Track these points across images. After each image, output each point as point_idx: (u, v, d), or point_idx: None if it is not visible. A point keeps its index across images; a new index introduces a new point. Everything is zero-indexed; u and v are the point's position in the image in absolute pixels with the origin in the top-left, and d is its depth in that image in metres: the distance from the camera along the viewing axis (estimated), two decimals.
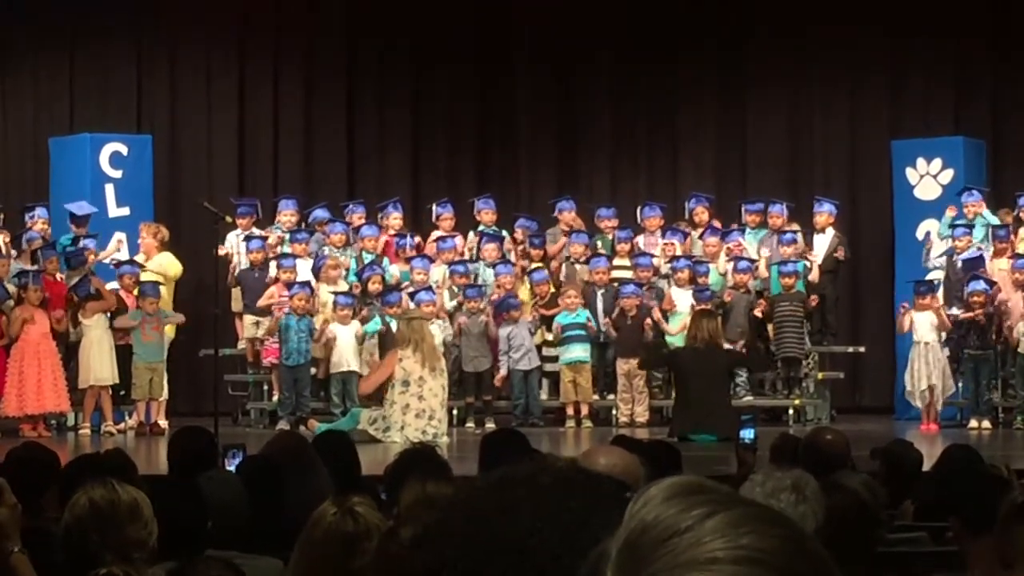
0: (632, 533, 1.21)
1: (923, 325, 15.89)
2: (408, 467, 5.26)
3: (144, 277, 16.56)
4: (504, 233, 17.79)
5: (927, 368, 15.83)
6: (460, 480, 5.85)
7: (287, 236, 17.40)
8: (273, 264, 16.85)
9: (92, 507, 4.52)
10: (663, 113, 20.08)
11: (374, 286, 16.44)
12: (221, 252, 16.68)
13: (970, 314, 15.77)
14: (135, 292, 16.36)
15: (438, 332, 15.75)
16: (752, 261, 16.87)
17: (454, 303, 16.64)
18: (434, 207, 17.93)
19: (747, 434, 7.58)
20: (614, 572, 1.20)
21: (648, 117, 20.16)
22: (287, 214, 17.69)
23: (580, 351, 16.37)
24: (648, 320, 16.36)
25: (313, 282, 16.58)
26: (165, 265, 17.00)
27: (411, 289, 16.37)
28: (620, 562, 1.20)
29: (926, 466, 7.61)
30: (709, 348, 15.24)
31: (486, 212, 17.80)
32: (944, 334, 15.92)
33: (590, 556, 1.24)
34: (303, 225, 17.73)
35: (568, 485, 1.38)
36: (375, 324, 16.13)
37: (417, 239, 17.61)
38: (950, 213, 16.94)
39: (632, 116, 20.19)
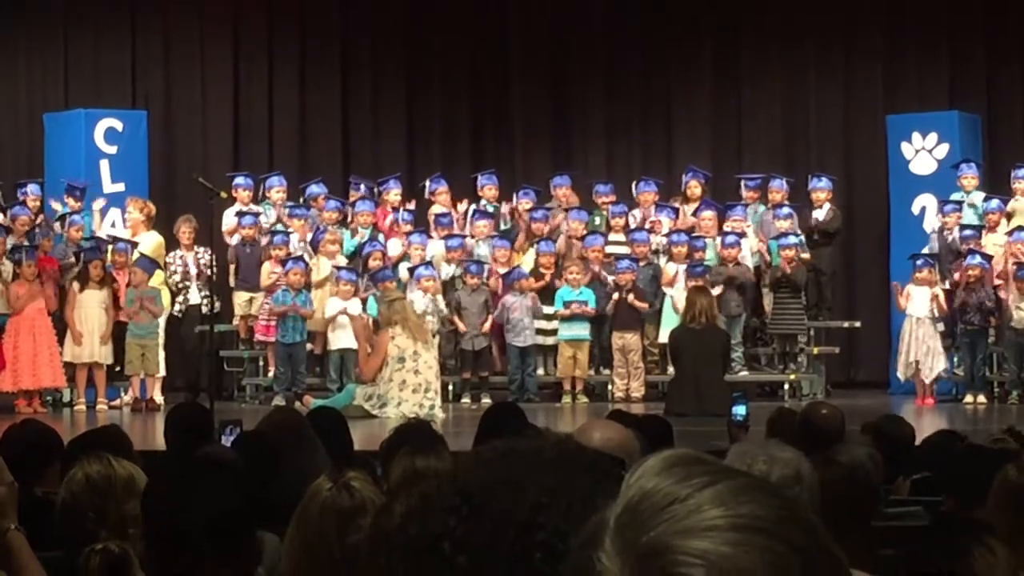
0: (631, 501, 1.21)
1: (917, 299, 15.91)
2: (403, 442, 5.27)
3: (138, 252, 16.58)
4: (501, 204, 17.77)
5: (917, 344, 15.85)
6: (458, 454, 5.86)
7: (285, 211, 17.39)
8: (265, 240, 16.85)
9: (89, 483, 4.52)
10: (658, 90, 20.06)
11: (375, 263, 16.44)
12: (224, 229, 16.78)
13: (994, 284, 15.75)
14: (127, 269, 16.34)
15: (428, 302, 15.76)
16: (740, 235, 16.84)
17: (451, 269, 16.62)
18: (428, 182, 17.91)
19: (739, 411, 7.59)
20: (613, 538, 1.20)
21: (643, 95, 20.13)
22: (277, 191, 17.67)
23: (580, 328, 16.38)
24: (639, 302, 16.33)
25: (312, 256, 16.59)
26: (152, 248, 16.92)
27: (410, 264, 16.39)
28: (619, 528, 1.20)
29: (919, 441, 7.62)
30: (705, 327, 15.24)
31: (489, 188, 17.75)
32: (938, 314, 15.94)
33: (588, 525, 1.24)
34: (300, 200, 17.72)
35: (571, 461, 1.39)
36: (372, 306, 16.14)
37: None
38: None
39: (627, 93, 20.15)
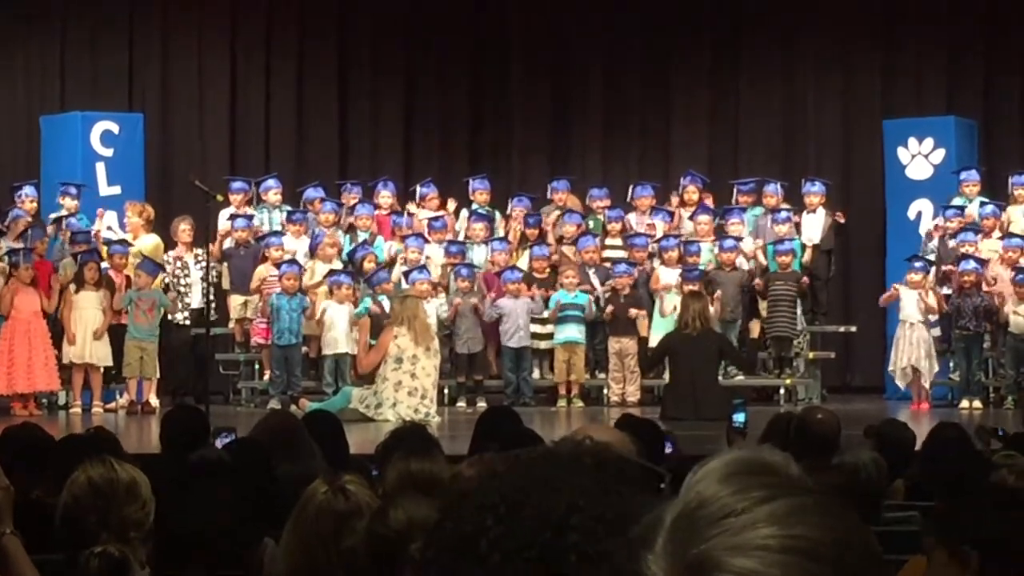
0: (688, 506, 1.22)
1: (909, 303, 15.92)
2: (398, 445, 5.27)
3: (136, 253, 16.54)
4: (496, 213, 17.79)
5: (910, 348, 15.87)
6: (468, 456, 5.85)
7: (284, 215, 17.37)
8: (261, 243, 16.82)
9: (91, 486, 4.51)
10: (656, 94, 20.08)
11: (369, 265, 16.44)
12: (219, 231, 16.78)
13: (988, 289, 15.70)
14: (124, 271, 16.32)
15: (434, 311, 15.75)
16: (738, 240, 16.85)
17: (438, 271, 16.61)
18: (418, 188, 17.93)
19: (739, 418, 7.67)
20: (666, 541, 1.21)
21: (641, 98, 20.15)
22: (274, 192, 17.65)
23: (575, 331, 16.34)
24: (631, 313, 16.32)
25: (308, 260, 16.57)
26: (149, 249, 16.89)
27: (405, 268, 16.38)
28: (673, 532, 1.21)
29: (917, 446, 7.63)
30: (701, 332, 15.24)
31: (480, 192, 17.76)
32: (933, 317, 15.95)
33: (643, 520, 1.25)
34: (300, 205, 17.71)
35: (609, 470, 1.39)
36: (365, 304, 16.10)
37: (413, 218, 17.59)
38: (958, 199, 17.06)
39: (626, 96, 20.18)
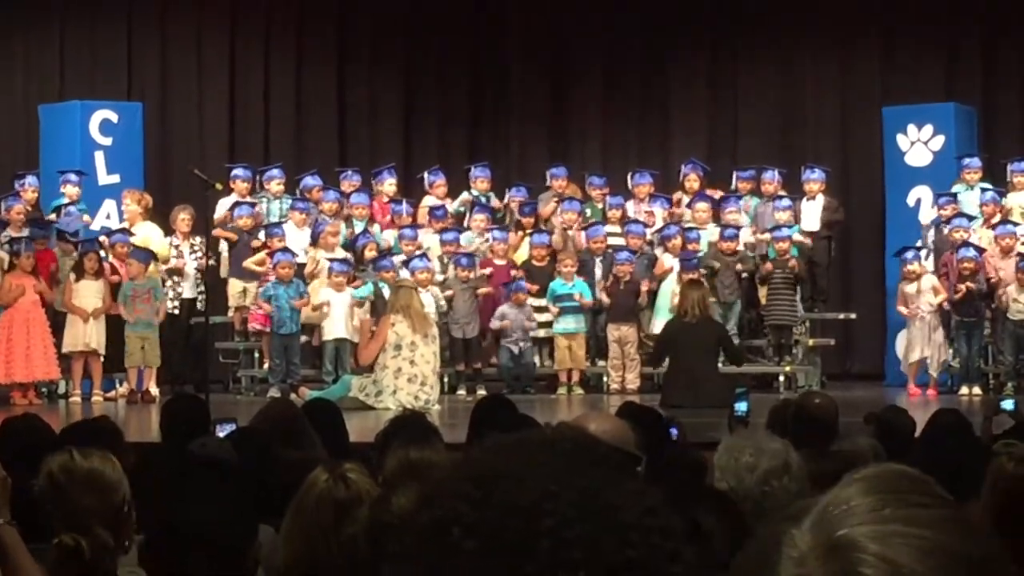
0: (846, 494, 1.29)
1: (914, 298, 15.95)
2: (398, 434, 5.28)
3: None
4: (491, 194, 17.81)
5: (923, 342, 15.87)
6: (465, 444, 5.87)
7: (286, 204, 17.36)
8: (262, 233, 16.80)
9: (49, 478, 4.46)
10: (655, 93, 20.08)
11: (370, 253, 16.45)
12: (215, 218, 16.75)
13: (962, 287, 15.72)
14: (126, 260, 16.32)
15: (431, 300, 15.75)
16: (738, 228, 16.86)
17: (444, 276, 16.58)
18: (426, 175, 17.93)
19: (740, 407, 7.71)
20: (814, 522, 1.27)
21: (640, 98, 20.15)
22: (277, 183, 17.64)
23: (574, 321, 16.37)
24: (643, 286, 16.38)
25: (310, 249, 16.56)
26: (149, 239, 16.84)
27: (404, 257, 16.39)
28: (823, 513, 1.28)
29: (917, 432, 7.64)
30: (700, 320, 15.25)
31: (481, 180, 17.78)
32: (938, 305, 15.98)
33: (798, 502, 1.31)
34: (296, 193, 17.71)
35: (585, 454, 1.40)
36: (367, 289, 16.11)
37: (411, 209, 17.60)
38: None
39: (624, 85, 20.18)
